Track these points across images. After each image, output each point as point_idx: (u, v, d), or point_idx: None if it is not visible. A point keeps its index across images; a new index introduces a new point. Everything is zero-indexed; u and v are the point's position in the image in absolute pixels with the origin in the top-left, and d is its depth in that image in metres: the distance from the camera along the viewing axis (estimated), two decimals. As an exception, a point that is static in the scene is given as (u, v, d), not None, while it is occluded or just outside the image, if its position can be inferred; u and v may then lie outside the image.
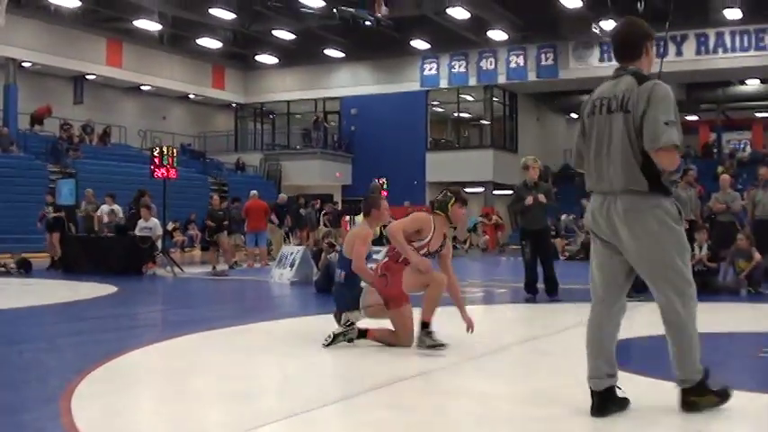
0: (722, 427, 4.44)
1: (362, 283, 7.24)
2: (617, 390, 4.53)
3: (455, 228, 7.59)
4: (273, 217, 22.19)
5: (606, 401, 4.48)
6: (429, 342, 6.67)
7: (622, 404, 4.53)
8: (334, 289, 7.69)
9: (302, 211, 23.08)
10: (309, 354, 6.79)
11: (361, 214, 7.95)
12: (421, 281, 6.82)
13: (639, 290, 10.65)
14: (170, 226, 23.93)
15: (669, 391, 4.56)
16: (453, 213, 7.04)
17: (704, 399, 4.47)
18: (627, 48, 4.62)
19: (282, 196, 23.27)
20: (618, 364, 4.57)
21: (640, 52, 4.58)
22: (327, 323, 8.12)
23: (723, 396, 4.54)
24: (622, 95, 4.41)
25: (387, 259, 7.04)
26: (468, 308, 7.11)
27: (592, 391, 4.51)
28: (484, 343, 7.24)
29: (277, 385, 5.45)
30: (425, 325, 6.75)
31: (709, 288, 12.07)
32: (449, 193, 7.14)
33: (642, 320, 9.63)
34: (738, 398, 4.67)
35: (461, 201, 7.08)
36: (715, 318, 9.56)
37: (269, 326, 8.95)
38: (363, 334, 6.93)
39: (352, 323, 6.93)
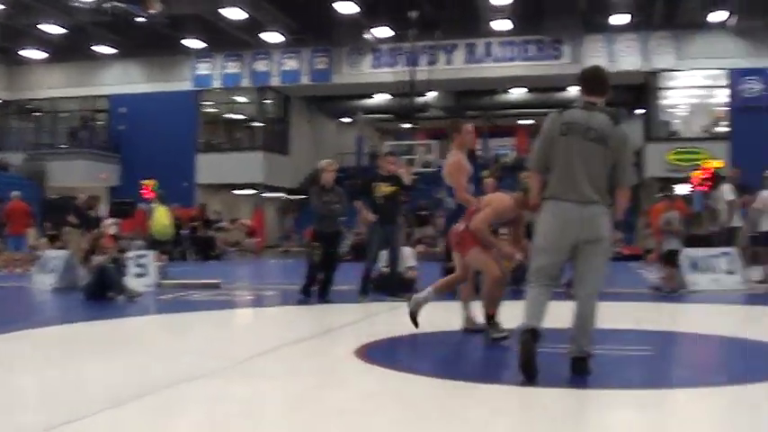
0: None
1: None
2: None
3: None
4: (72, 218, 21.27)
5: None
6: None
7: None
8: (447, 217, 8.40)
9: (91, 212, 22.18)
10: (74, 362, 6.60)
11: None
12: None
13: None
14: None
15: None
16: None
17: None
18: (600, 85, 5.70)
19: (82, 196, 22.30)
20: None
21: (606, 91, 5.68)
22: (96, 330, 7.88)
23: None
24: (601, 131, 5.46)
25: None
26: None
27: None
28: (251, 346, 7.35)
29: (37, 397, 5.26)
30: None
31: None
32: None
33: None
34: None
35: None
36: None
37: (30, 334, 8.54)
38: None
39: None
